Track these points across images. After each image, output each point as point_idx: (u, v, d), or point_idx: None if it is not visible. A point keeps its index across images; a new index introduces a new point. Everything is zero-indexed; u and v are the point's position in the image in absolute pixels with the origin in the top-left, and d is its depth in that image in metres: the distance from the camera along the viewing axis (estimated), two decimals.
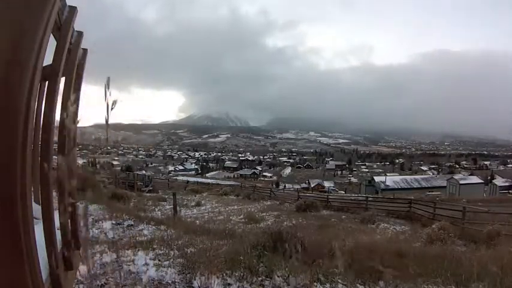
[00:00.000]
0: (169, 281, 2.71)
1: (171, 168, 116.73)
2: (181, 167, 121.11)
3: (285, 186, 59.79)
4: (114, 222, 5.17)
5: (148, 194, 17.32)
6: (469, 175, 55.06)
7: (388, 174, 60.86)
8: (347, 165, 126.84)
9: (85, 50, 1.85)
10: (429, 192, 37.27)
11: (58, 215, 1.30)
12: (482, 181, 44.87)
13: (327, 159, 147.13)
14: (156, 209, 11.41)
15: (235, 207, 15.43)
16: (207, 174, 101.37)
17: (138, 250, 3.43)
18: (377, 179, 49.10)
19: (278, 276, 2.95)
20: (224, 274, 2.86)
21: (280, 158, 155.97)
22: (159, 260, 3.24)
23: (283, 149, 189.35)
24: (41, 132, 1.41)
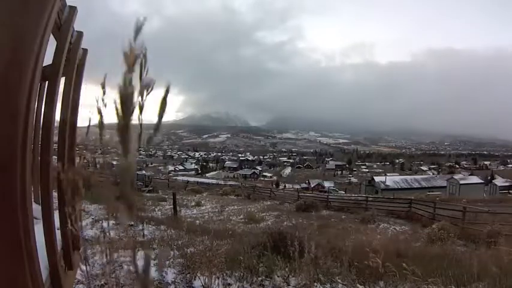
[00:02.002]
0: (169, 281, 2.71)
1: (171, 168, 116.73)
2: (181, 167, 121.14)
3: (285, 186, 59.76)
4: (114, 222, 5.17)
5: (148, 194, 17.31)
6: (469, 175, 54.94)
7: (388, 174, 60.73)
8: (347, 165, 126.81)
9: (85, 50, 1.85)
10: (429, 192, 37.24)
11: (58, 215, 1.30)
12: (482, 181, 44.76)
13: (327, 159, 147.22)
14: (156, 209, 11.41)
15: (235, 207, 15.43)
16: (207, 174, 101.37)
17: (138, 250, 3.43)
18: (377, 179, 48.99)
19: (278, 276, 2.95)
20: (224, 274, 2.86)
21: (280, 158, 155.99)
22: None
23: (283, 149, 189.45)
24: (41, 132, 1.41)
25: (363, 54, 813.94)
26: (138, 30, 0.48)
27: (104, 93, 0.71)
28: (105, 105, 0.72)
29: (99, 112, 0.71)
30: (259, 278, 2.89)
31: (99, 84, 0.75)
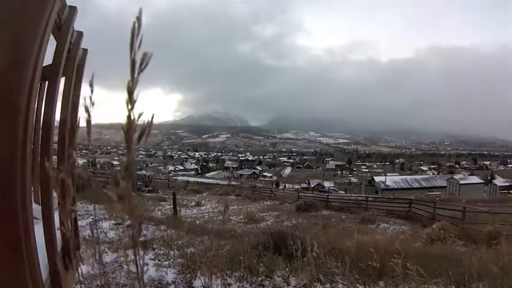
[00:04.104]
0: (169, 281, 2.71)
1: (171, 168, 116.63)
2: (181, 167, 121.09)
3: (285, 186, 59.74)
4: (114, 222, 5.17)
5: (148, 194, 17.31)
6: (469, 175, 54.88)
7: (388, 174, 60.65)
8: (347, 165, 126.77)
9: (85, 50, 1.85)
10: (429, 192, 37.20)
11: (58, 215, 1.30)
12: (482, 181, 44.71)
13: (327, 159, 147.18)
14: (156, 209, 11.41)
15: (235, 207, 15.42)
16: (207, 174, 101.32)
17: (138, 250, 3.42)
18: (377, 179, 48.92)
19: (278, 276, 2.95)
20: (224, 274, 2.86)
21: (280, 158, 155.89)
22: (159, 260, 3.24)
23: (283, 149, 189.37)
24: (41, 132, 1.41)
25: (364, 51, 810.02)
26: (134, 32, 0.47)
27: (92, 91, 0.69)
28: (93, 104, 0.69)
29: (87, 111, 0.69)
30: (259, 278, 2.89)
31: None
